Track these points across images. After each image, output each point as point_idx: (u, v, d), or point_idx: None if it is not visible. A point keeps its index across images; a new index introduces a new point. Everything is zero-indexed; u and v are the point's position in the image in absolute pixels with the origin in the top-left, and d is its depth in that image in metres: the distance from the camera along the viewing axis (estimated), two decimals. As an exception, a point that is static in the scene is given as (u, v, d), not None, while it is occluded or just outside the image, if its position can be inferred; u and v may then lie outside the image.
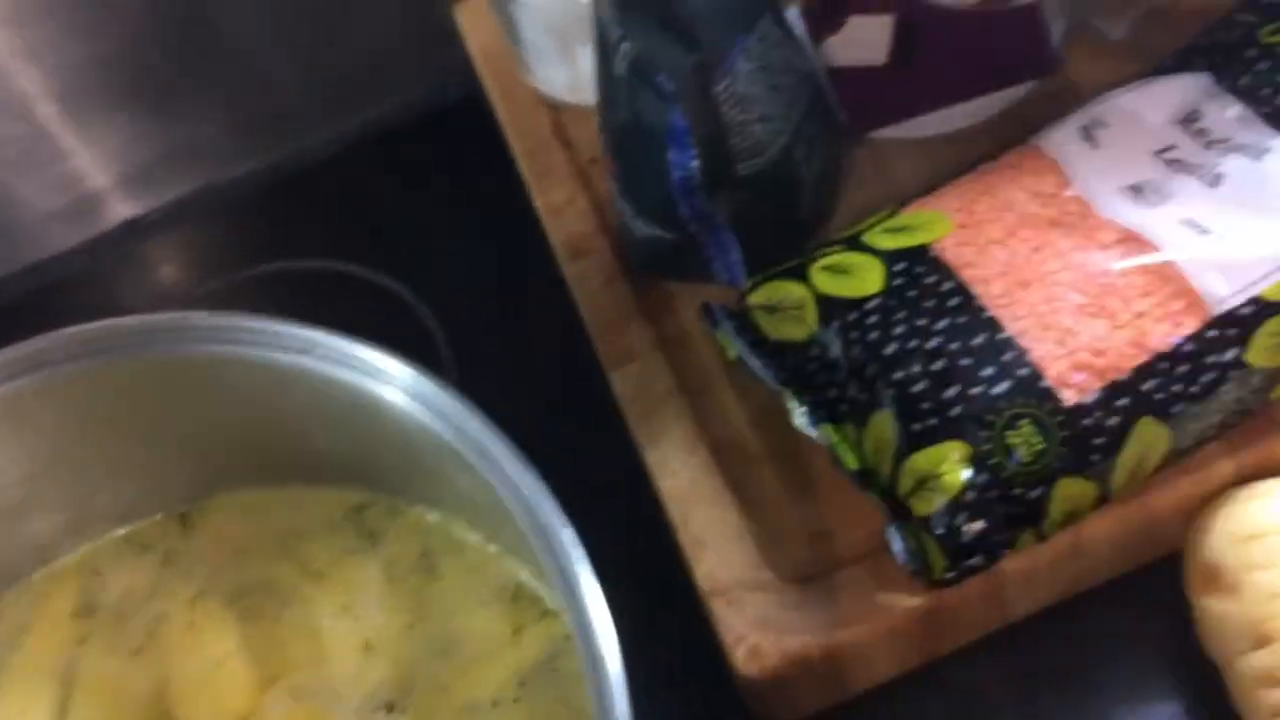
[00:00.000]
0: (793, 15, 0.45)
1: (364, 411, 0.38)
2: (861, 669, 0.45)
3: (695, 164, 0.44)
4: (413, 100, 0.66)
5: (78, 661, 0.43)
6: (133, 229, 0.68)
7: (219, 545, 0.46)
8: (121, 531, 0.46)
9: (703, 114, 0.42)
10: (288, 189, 0.67)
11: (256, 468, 0.45)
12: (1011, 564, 0.42)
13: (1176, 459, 0.42)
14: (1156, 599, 0.44)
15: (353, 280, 0.61)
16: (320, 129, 0.67)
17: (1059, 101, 0.50)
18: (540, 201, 0.57)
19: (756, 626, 0.43)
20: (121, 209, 0.68)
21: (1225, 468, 0.43)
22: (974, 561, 0.40)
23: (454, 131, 0.65)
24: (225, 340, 0.38)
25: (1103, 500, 0.41)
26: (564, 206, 0.56)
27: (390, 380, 0.38)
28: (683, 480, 0.47)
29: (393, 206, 0.64)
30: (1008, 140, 0.49)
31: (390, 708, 0.41)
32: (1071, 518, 0.41)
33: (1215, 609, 0.41)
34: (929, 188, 0.48)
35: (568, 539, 0.33)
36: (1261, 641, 0.40)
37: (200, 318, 0.40)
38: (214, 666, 0.43)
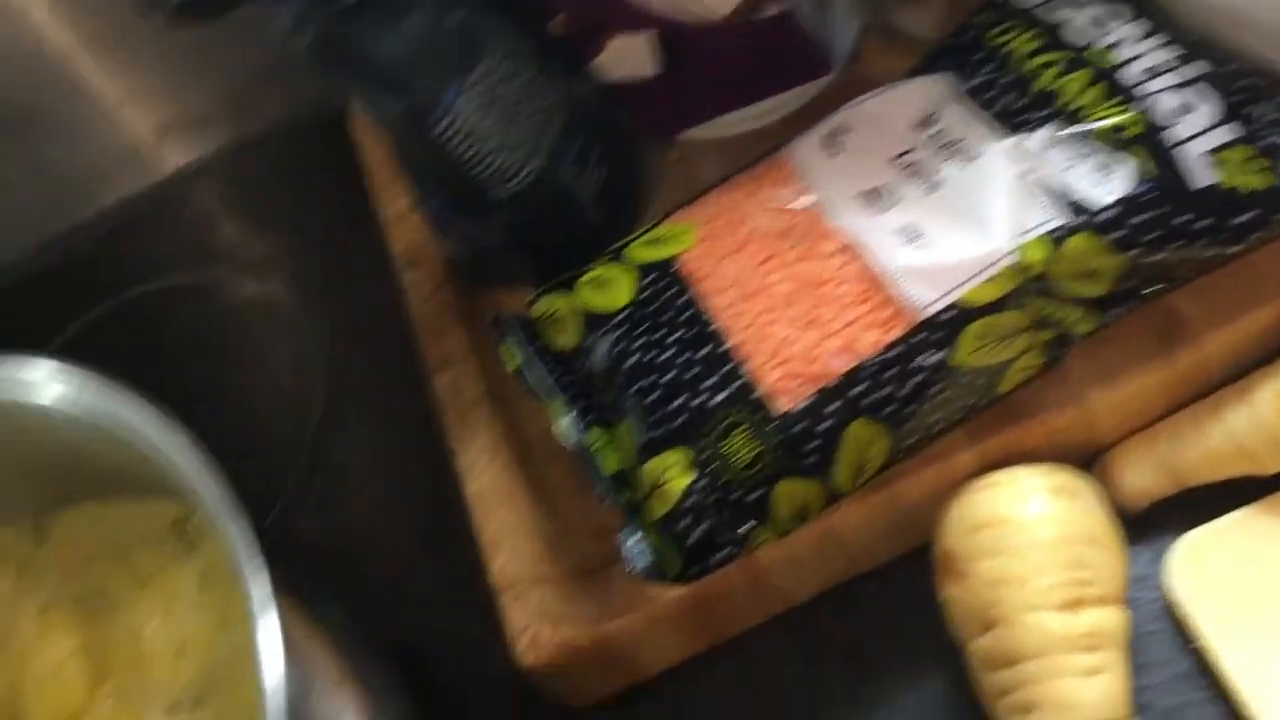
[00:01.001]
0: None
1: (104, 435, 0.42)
2: (644, 654, 0.48)
3: (440, 197, 0.46)
4: (284, 116, 0.70)
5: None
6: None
7: (67, 555, 0.50)
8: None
9: (425, 153, 0.45)
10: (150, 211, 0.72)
11: (92, 484, 0.49)
12: (770, 554, 0.45)
13: (913, 452, 0.44)
14: (927, 583, 0.46)
15: (222, 293, 0.65)
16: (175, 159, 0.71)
17: (861, 93, 0.51)
18: (384, 211, 0.60)
19: (537, 618, 0.47)
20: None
21: (967, 458, 0.45)
22: (715, 559, 0.43)
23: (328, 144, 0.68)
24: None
25: (834, 497, 0.43)
26: (405, 215, 0.59)
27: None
28: (485, 482, 0.50)
29: (263, 220, 0.68)
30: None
31: (195, 704, 0.45)
32: (803, 514, 0.43)
33: (952, 595, 0.44)
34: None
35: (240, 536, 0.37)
36: (986, 626, 0.42)
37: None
38: (55, 669, 0.48)
